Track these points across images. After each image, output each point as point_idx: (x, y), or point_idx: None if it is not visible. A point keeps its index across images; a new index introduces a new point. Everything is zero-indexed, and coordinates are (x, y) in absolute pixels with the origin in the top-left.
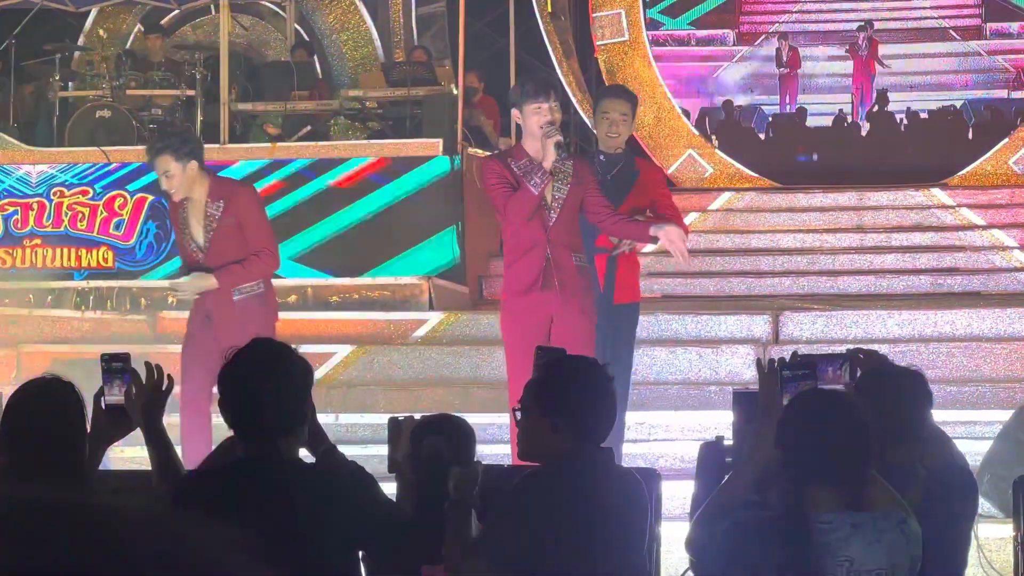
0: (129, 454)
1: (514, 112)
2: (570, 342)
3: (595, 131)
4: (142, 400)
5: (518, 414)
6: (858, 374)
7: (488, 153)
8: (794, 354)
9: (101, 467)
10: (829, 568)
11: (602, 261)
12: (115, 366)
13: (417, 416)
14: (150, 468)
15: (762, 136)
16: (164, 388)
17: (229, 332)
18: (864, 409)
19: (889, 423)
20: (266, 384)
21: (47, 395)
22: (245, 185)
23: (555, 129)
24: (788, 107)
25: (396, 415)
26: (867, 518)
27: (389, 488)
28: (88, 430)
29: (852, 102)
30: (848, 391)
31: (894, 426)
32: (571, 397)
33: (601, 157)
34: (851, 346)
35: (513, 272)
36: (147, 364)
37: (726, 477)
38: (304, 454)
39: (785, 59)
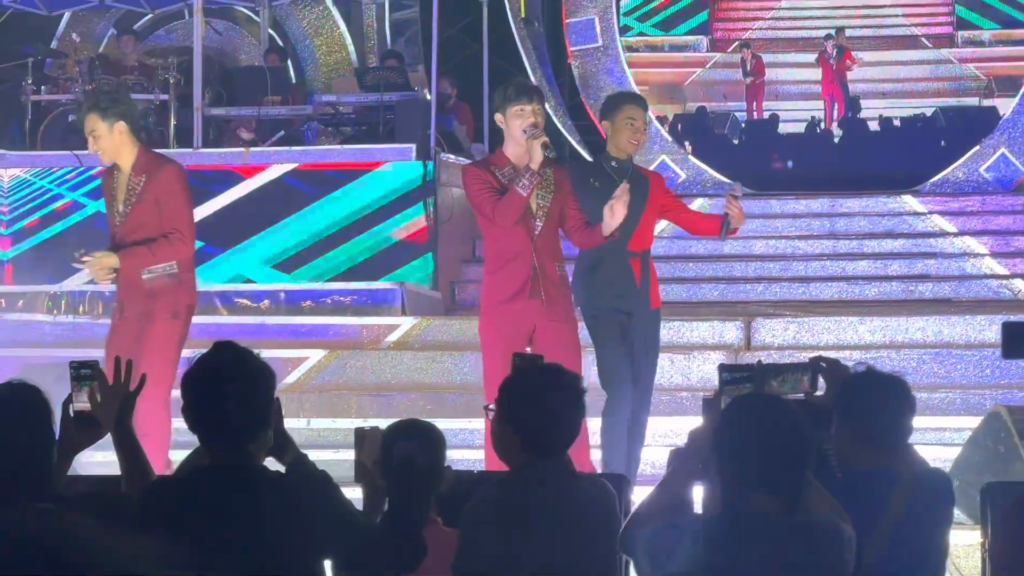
0: (99, 458)
1: (497, 116)
2: (555, 350)
3: (608, 136)
4: (110, 403)
5: (490, 414)
6: (818, 382)
7: (460, 158)
8: (759, 363)
9: (70, 472)
10: (765, 572)
11: (636, 264)
12: (84, 372)
13: (383, 427)
14: (119, 473)
15: (735, 142)
16: (133, 390)
17: (137, 310)
18: (802, 414)
19: (872, 429)
20: (228, 388)
21: (14, 400)
22: (171, 161)
23: (540, 131)
24: (755, 115)
25: (362, 426)
26: (803, 523)
27: (356, 495)
28: (56, 436)
29: (825, 109)
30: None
31: (876, 432)
32: (531, 407)
33: (613, 163)
34: (814, 355)
35: (497, 280)
36: (116, 360)
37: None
38: (276, 464)
39: (749, 67)
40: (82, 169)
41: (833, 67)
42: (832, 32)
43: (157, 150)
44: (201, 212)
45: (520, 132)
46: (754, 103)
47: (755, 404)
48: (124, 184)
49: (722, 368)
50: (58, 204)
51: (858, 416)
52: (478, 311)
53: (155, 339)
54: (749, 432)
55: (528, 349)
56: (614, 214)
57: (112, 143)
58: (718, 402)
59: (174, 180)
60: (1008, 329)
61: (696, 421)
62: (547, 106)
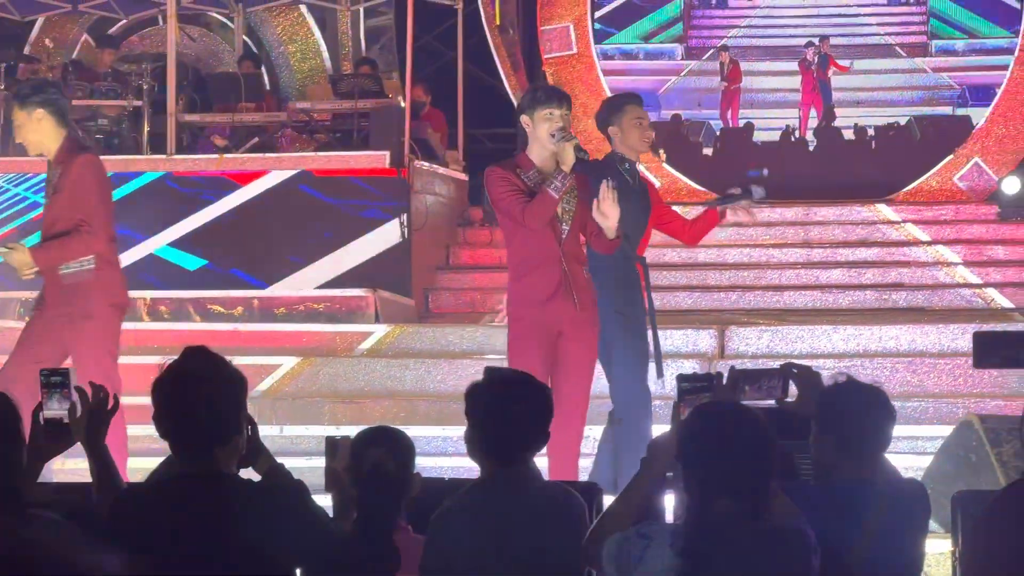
0: (70, 466)
1: (523, 119)
2: (582, 355)
3: (617, 140)
4: (86, 418)
5: None
6: (790, 389)
7: (434, 166)
8: (732, 369)
9: (40, 479)
10: None
11: (640, 269)
12: (54, 380)
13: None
14: (89, 480)
15: (709, 151)
16: (109, 408)
17: (58, 310)
18: (765, 422)
19: (854, 439)
20: (198, 393)
21: None
22: (86, 150)
23: (570, 133)
24: (729, 122)
25: (334, 435)
26: (768, 529)
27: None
28: (26, 444)
29: (800, 117)
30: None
31: (858, 442)
32: (495, 416)
33: (627, 164)
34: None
35: (527, 284)
36: (92, 385)
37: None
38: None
39: (726, 72)
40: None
41: (815, 75)
42: (815, 40)
43: (109, 152)
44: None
45: (548, 136)
46: (729, 110)
47: (718, 412)
48: (49, 176)
49: (680, 378)
50: (35, 214)
51: (840, 426)
52: (450, 319)
53: (82, 342)
54: (712, 440)
55: None
56: (607, 216)
57: (34, 132)
58: (678, 412)
59: (84, 170)
60: (979, 339)
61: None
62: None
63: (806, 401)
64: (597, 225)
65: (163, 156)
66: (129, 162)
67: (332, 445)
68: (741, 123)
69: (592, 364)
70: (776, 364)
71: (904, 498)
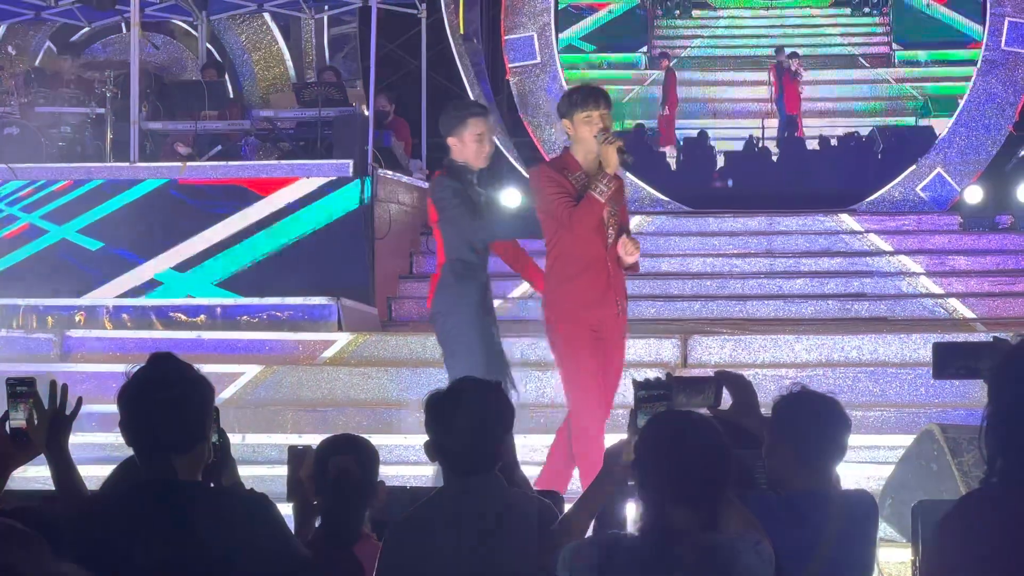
0: (32, 473)
1: (564, 122)
2: (618, 360)
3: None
4: (45, 425)
5: None
6: (722, 396)
7: (398, 174)
8: (668, 376)
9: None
10: None
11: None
12: (20, 390)
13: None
14: (50, 488)
15: (672, 161)
16: (69, 413)
17: None
18: (721, 431)
19: (805, 448)
20: (164, 399)
21: None
22: None
23: (613, 135)
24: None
25: (295, 444)
26: (723, 540)
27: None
28: None
29: (762, 127)
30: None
31: (809, 452)
32: (443, 428)
33: (470, 176)
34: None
35: (574, 288)
36: (52, 383)
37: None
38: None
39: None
40: (17, 182)
41: (792, 79)
42: (780, 49)
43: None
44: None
45: (591, 137)
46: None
47: (674, 421)
48: None
49: (637, 385)
50: None
51: (795, 436)
52: (413, 327)
53: None
54: (668, 449)
55: None
56: (633, 254)
57: None
58: (634, 419)
59: None
60: (939, 349)
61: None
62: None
63: (741, 409)
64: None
65: (126, 163)
66: (91, 170)
67: (295, 454)
68: (695, 132)
69: (621, 370)
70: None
71: (855, 507)
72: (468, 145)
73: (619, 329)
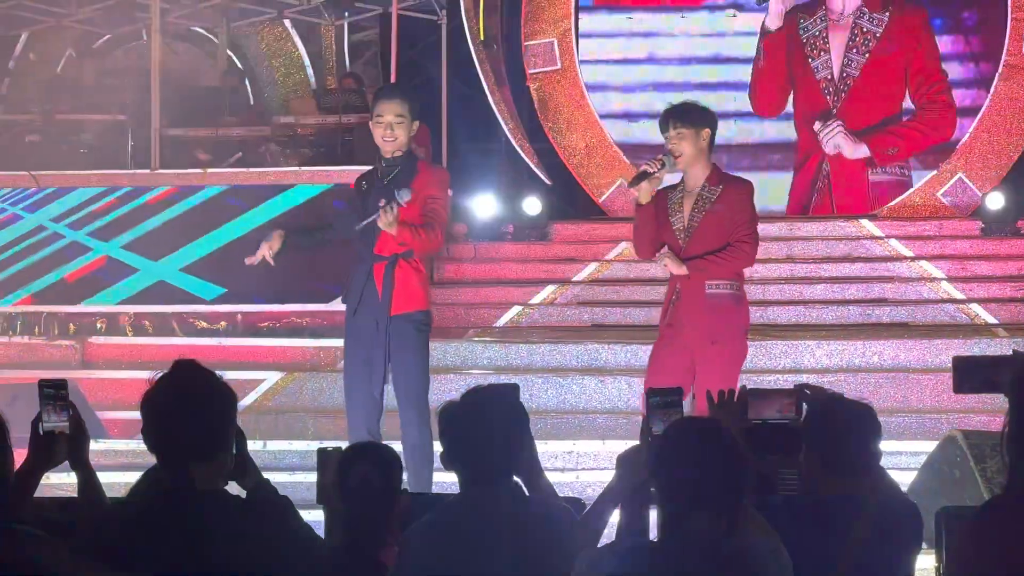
0: (55, 480)
1: None
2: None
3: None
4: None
5: None
6: (804, 409)
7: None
8: (743, 388)
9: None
10: None
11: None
12: (50, 392)
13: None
14: (71, 495)
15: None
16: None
17: None
18: (737, 439)
19: (836, 456)
20: (187, 407)
21: None
22: None
23: (653, 160)
24: None
25: (325, 446)
26: (743, 547)
27: (318, 516)
28: (15, 457)
29: None
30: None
31: (841, 459)
32: (460, 436)
33: (383, 163)
34: (799, 381)
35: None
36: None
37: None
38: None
39: None
40: (39, 189)
41: None
42: None
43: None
44: None
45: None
46: None
47: (692, 429)
48: None
49: (650, 392)
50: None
51: (824, 443)
52: (434, 333)
53: None
54: (686, 457)
55: None
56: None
57: None
58: (647, 425)
59: None
60: (958, 364)
61: None
62: (506, 129)
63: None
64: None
65: (147, 170)
66: (112, 176)
67: (323, 457)
68: None
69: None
70: (760, 380)
71: (892, 517)
72: (374, 130)
73: (669, 343)
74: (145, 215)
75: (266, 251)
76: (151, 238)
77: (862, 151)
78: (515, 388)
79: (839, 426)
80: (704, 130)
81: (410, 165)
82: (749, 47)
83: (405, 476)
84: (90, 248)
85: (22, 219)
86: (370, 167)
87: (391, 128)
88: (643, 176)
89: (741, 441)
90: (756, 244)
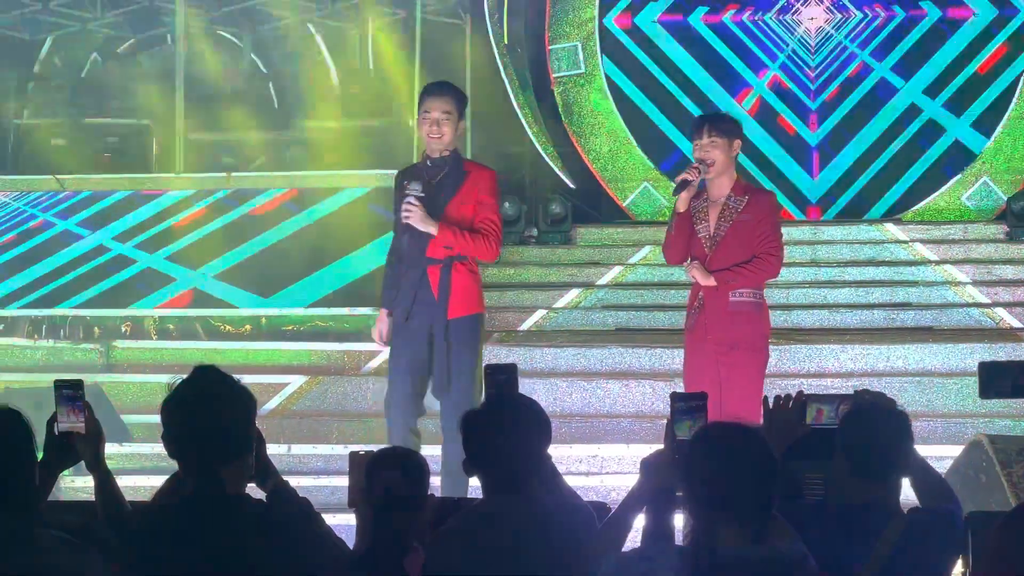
0: (79, 483)
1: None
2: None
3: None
4: (92, 431)
5: None
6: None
7: None
8: (800, 393)
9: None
10: None
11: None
12: (67, 393)
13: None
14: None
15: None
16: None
17: None
18: (770, 445)
19: (867, 461)
20: (207, 412)
21: None
22: None
23: (691, 168)
24: None
25: (357, 449)
26: (769, 553)
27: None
28: (39, 459)
29: None
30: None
31: (872, 464)
32: (473, 443)
33: (428, 162)
34: (858, 385)
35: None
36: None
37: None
38: (255, 490)
39: None
40: (64, 193)
41: None
42: None
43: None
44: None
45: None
46: None
47: (724, 435)
48: None
49: (675, 397)
50: (33, 223)
51: (851, 448)
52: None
53: None
54: (716, 464)
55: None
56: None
57: None
58: (671, 430)
59: None
60: (984, 369)
61: None
62: (530, 132)
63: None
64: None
65: (172, 174)
66: (137, 180)
67: (355, 460)
68: None
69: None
70: (784, 384)
71: (919, 524)
72: (420, 128)
73: (695, 351)
74: (180, 222)
75: (378, 339)
76: (188, 247)
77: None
78: (513, 368)
79: (865, 431)
80: (736, 140)
81: (457, 166)
82: (766, 53)
83: (441, 481)
84: (133, 259)
85: (53, 225)
86: (413, 164)
87: (437, 124)
88: (684, 185)
89: (781, 448)
90: (782, 256)
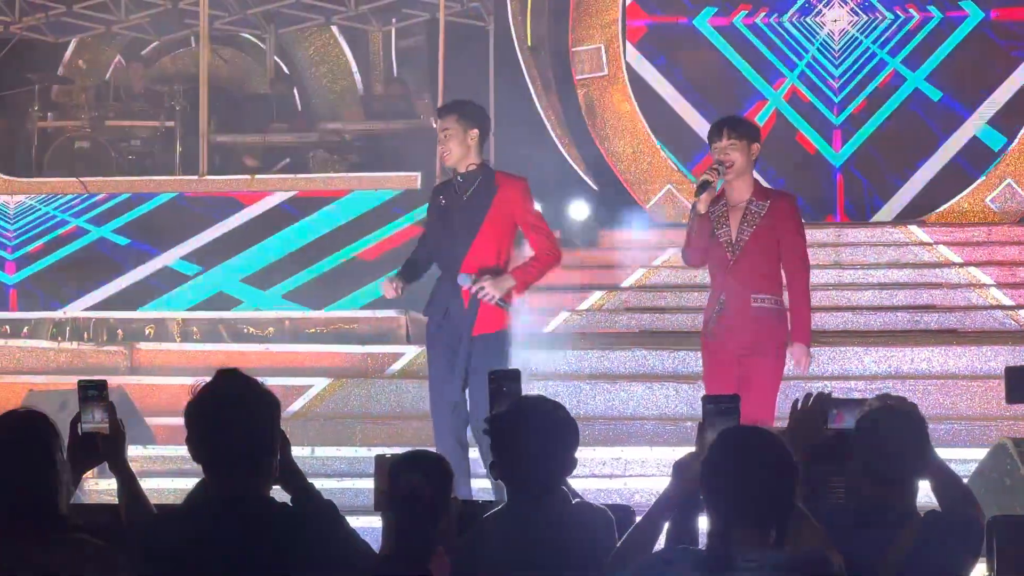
0: (103, 486)
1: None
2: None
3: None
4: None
5: None
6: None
7: None
8: (819, 394)
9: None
10: None
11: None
12: (91, 393)
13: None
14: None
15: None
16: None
17: None
18: (789, 447)
19: (881, 464)
20: (232, 416)
21: (21, 429)
22: None
23: (711, 169)
24: None
25: (383, 452)
26: (789, 557)
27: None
28: (64, 461)
29: None
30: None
31: (886, 467)
32: (501, 446)
33: (459, 177)
34: (880, 390)
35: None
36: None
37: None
38: (280, 492)
39: None
40: (86, 196)
41: None
42: None
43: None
44: None
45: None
46: None
47: (743, 438)
48: None
49: (706, 399)
50: (63, 230)
51: (864, 451)
52: None
53: None
54: (735, 467)
55: None
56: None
57: None
58: (703, 432)
59: None
60: (1011, 374)
61: None
62: (553, 135)
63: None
64: None
65: (195, 177)
66: (161, 183)
67: (381, 463)
68: None
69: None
70: (808, 386)
71: (936, 527)
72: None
73: (716, 355)
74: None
75: (390, 288)
76: (209, 248)
77: None
78: (517, 373)
79: (880, 435)
80: (755, 144)
81: (488, 179)
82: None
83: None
84: (150, 255)
85: (78, 227)
86: (447, 180)
87: (442, 143)
88: (705, 186)
89: (801, 450)
90: (809, 266)
